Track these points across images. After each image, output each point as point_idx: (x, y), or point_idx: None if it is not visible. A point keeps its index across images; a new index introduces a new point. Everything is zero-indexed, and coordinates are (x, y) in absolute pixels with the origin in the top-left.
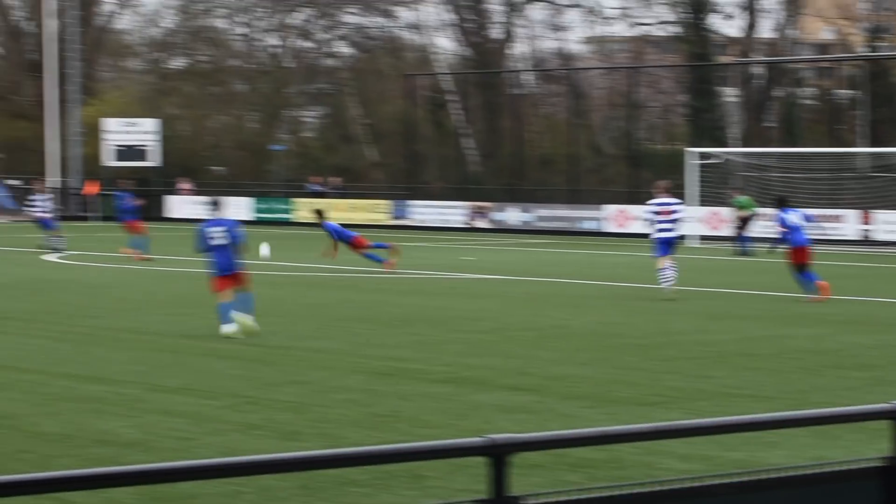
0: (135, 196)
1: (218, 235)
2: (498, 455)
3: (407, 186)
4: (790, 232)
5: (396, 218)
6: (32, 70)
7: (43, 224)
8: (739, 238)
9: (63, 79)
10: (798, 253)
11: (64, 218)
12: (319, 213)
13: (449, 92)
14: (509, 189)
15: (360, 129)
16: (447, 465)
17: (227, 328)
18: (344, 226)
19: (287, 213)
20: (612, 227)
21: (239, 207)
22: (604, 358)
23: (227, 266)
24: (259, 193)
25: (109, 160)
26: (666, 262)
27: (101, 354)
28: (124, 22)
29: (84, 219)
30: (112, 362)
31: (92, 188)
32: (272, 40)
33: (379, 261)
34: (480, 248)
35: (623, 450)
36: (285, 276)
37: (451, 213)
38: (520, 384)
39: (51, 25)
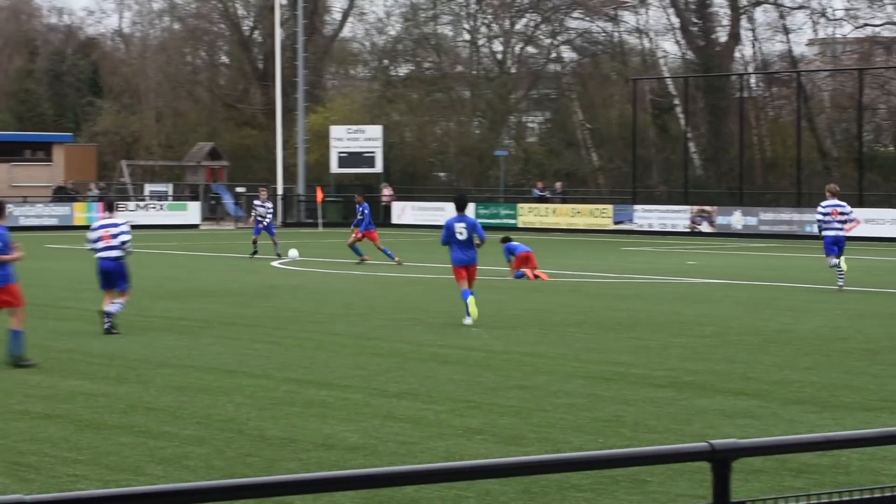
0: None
1: (462, 231)
2: (721, 460)
3: (630, 191)
4: None
5: (619, 223)
6: (259, 79)
7: (265, 230)
8: None
9: (290, 87)
10: None
11: (290, 224)
12: (505, 238)
13: (673, 95)
14: (733, 193)
15: (584, 134)
16: (669, 470)
17: (466, 320)
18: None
19: (511, 218)
20: None
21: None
22: (829, 363)
23: (464, 259)
24: (483, 199)
25: (335, 167)
26: (834, 261)
27: (324, 359)
28: (351, 30)
29: (312, 225)
30: (335, 367)
31: (320, 194)
32: (497, 46)
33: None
34: (703, 252)
35: (848, 455)
36: (508, 281)
37: (675, 217)
38: (743, 389)
39: (279, 35)
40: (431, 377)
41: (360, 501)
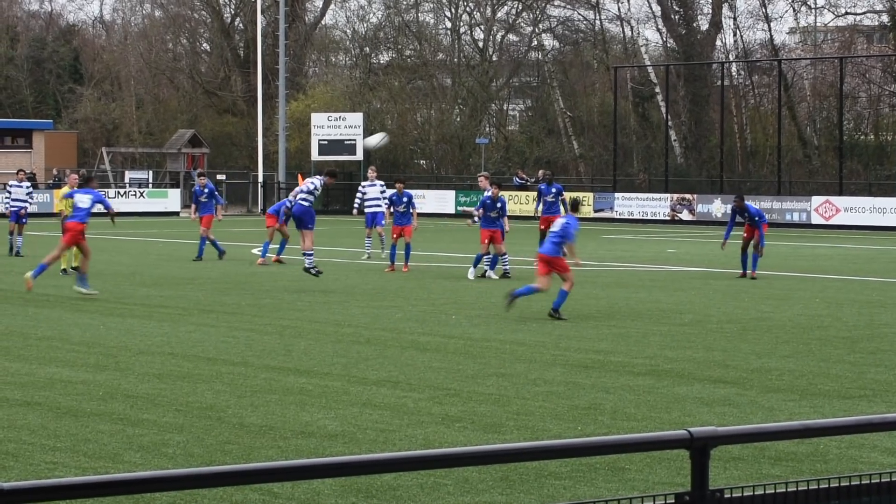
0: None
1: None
2: (699, 448)
3: (611, 178)
4: None
5: (599, 210)
6: (241, 66)
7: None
8: None
9: (271, 75)
10: None
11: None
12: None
13: (654, 84)
14: (713, 181)
15: (565, 122)
16: (648, 458)
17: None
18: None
19: None
20: (818, 219)
21: (443, 200)
22: (807, 351)
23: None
24: (463, 187)
25: (316, 154)
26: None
27: (304, 347)
28: (332, 17)
29: None
30: (315, 355)
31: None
32: (478, 34)
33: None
34: (684, 240)
35: (826, 443)
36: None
37: (655, 205)
38: (721, 377)
39: (261, 22)
40: (411, 365)
41: (339, 489)
